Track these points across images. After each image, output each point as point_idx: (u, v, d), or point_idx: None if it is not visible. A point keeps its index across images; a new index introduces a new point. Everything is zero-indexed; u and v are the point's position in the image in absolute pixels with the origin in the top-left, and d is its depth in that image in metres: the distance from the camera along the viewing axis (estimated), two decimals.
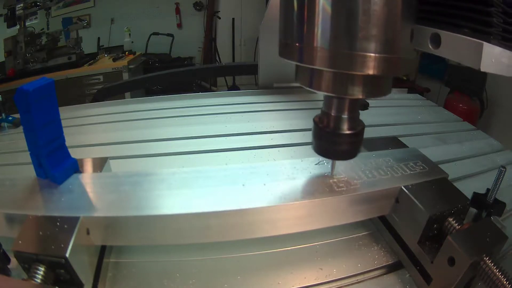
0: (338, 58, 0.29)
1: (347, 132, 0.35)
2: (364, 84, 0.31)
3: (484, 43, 0.30)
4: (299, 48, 0.31)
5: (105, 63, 2.94)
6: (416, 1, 0.31)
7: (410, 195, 0.37)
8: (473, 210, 0.45)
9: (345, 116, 0.35)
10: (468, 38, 0.31)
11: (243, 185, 0.38)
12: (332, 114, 0.35)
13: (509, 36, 0.30)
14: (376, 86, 0.32)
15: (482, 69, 0.30)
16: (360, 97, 0.32)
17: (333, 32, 0.28)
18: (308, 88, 0.34)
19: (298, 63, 0.33)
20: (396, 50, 0.29)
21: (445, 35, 0.33)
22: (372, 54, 0.28)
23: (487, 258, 0.30)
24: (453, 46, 0.32)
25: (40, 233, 0.31)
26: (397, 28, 0.29)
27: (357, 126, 0.36)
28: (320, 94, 0.35)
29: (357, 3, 0.27)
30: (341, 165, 0.42)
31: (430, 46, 0.34)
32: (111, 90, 1.27)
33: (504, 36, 0.30)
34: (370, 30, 0.28)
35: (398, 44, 0.29)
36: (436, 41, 0.34)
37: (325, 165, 0.42)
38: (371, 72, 0.29)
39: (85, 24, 3.05)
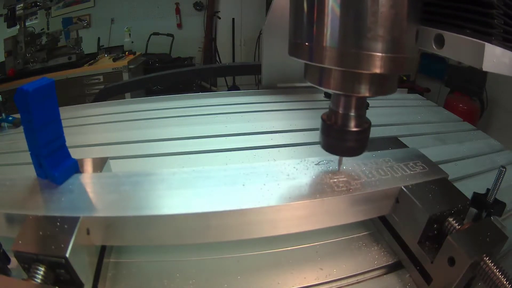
0: (347, 57, 0.30)
1: (355, 129, 0.36)
2: (371, 83, 0.32)
3: (486, 43, 0.30)
4: (309, 47, 0.32)
5: (105, 63, 2.94)
6: (421, 3, 0.31)
7: (410, 195, 0.37)
8: (473, 210, 0.45)
9: (352, 113, 0.36)
10: (470, 39, 0.32)
11: (243, 185, 0.38)
12: (340, 111, 0.36)
13: (510, 37, 0.30)
14: (383, 85, 0.33)
15: (484, 69, 0.31)
16: (367, 95, 0.33)
17: (341, 32, 0.30)
18: (317, 87, 0.35)
19: (308, 62, 0.34)
20: (402, 50, 0.30)
21: (448, 36, 0.34)
22: (379, 54, 0.29)
23: (487, 258, 0.30)
24: (456, 46, 0.33)
25: (40, 233, 0.31)
26: (403, 29, 0.30)
27: (364, 124, 0.37)
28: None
29: (366, 5, 0.28)
30: (341, 165, 0.42)
31: (434, 47, 0.35)
32: (113, 91, 1.27)
33: (505, 37, 0.30)
34: (377, 30, 0.29)
35: (403, 44, 0.31)
36: (440, 41, 0.35)
37: (326, 164, 0.42)
38: (378, 70, 0.30)
39: (85, 24, 3.04)
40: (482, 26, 0.31)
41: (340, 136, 0.36)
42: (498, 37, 0.30)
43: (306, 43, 0.32)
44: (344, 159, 0.43)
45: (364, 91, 0.33)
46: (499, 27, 0.30)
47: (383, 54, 0.29)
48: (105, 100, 1.04)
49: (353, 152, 0.38)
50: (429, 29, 0.35)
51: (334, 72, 0.33)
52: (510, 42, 0.31)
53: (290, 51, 0.35)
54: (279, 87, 0.97)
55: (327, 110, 0.38)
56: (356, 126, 0.36)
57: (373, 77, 0.32)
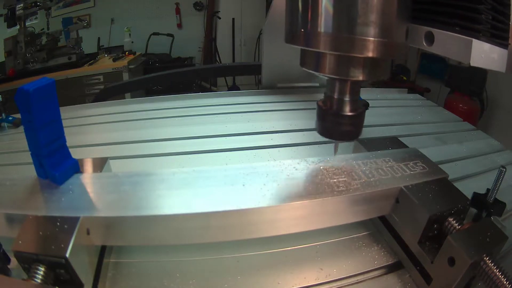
0: (340, 42, 0.32)
1: (350, 113, 0.37)
2: (364, 66, 0.34)
3: (473, 39, 0.31)
4: (305, 34, 0.34)
5: (105, 63, 2.94)
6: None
7: (410, 195, 0.37)
8: (473, 210, 0.45)
9: (347, 98, 0.37)
10: (459, 35, 0.33)
11: (243, 185, 0.38)
12: (335, 96, 0.37)
13: (498, 33, 0.31)
14: (375, 69, 0.35)
15: (472, 64, 0.32)
16: (361, 79, 0.35)
17: (335, 18, 0.31)
18: (313, 72, 0.36)
19: (304, 47, 0.35)
20: (392, 35, 0.32)
21: (437, 33, 0.35)
22: (371, 38, 0.31)
23: (487, 258, 0.30)
24: (445, 43, 0.34)
25: (40, 233, 0.31)
26: (393, 15, 0.32)
27: (358, 108, 0.38)
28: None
29: None
30: (341, 164, 0.42)
31: (425, 44, 0.37)
32: (113, 91, 1.26)
33: (493, 33, 0.31)
34: (369, 16, 0.31)
35: (394, 30, 0.32)
36: (430, 38, 0.36)
37: (326, 164, 0.42)
38: (370, 54, 0.32)
39: (85, 24, 3.04)
40: (470, 22, 0.32)
41: (336, 120, 0.38)
42: (486, 33, 0.31)
43: (302, 30, 0.34)
44: (344, 158, 0.43)
45: (358, 75, 0.34)
46: (486, 22, 0.31)
47: (375, 39, 0.31)
48: (105, 100, 1.04)
49: (349, 136, 0.39)
50: (419, 27, 0.37)
51: (329, 56, 0.34)
52: (498, 38, 0.31)
53: (287, 39, 0.37)
54: (279, 87, 0.97)
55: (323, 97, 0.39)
56: (351, 111, 0.37)
57: (366, 61, 0.34)
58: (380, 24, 0.31)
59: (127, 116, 0.82)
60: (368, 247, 0.43)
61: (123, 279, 0.37)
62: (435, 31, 0.35)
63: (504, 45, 0.31)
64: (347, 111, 0.37)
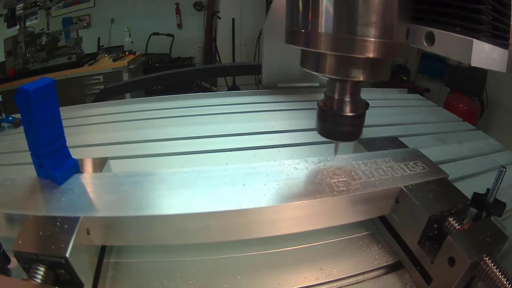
0: (341, 42, 0.32)
1: (350, 114, 0.37)
2: (365, 67, 0.34)
3: (474, 40, 0.32)
4: (305, 34, 0.34)
5: (105, 63, 2.94)
6: None
7: (410, 195, 0.37)
8: (473, 210, 0.45)
9: (347, 99, 0.37)
10: (459, 35, 0.33)
11: (243, 185, 0.38)
12: (336, 97, 0.37)
13: (499, 33, 0.31)
14: (376, 69, 0.35)
15: (473, 64, 0.32)
16: (361, 79, 0.35)
17: (336, 18, 0.31)
18: (313, 72, 0.36)
19: (304, 48, 0.36)
20: (392, 36, 0.32)
21: (438, 33, 0.35)
22: (372, 39, 0.31)
23: (487, 258, 0.30)
24: (446, 43, 0.35)
25: (40, 233, 0.31)
26: (394, 16, 0.32)
27: (359, 109, 0.38)
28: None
29: None
30: (341, 164, 0.42)
31: (425, 44, 0.37)
32: (113, 91, 1.26)
33: (494, 33, 0.31)
34: (369, 17, 0.31)
35: (394, 31, 0.32)
36: (431, 39, 0.36)
37: (326, 164, 0.42)
38: (370, 55, 0.32)
39: (85, 24, 3.04)
40: (471, 22, 0.32)
41: (336, 121, 0.38)
42: (487, 33, 0.32)
43: (303, 30, 0.34)
44: (344, 158, 0.43)
45: (359, 75, 0.34)
46: (487, 23, 0.31)
47: (376, 39, 0.31)
48: (105, 100, 1.04)
49: (350, 136, 0.39)
50: (420, 27, 0.37)
51: (330, 57, 0.34)
52: (499, 38, 0.31)
53: (287, 39, 0.37)
54: (279, 87, 0.97)
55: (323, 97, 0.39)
56: (351, 111, 0.37)
57: (367, 62, 0.34)
58: (381, 24, 0.31)
59: (127, 116, 0.82)
60: (368, 247, 0.43)
61: (123, 279, 0.37)
62: (436, 31, 0.35)
63: (505, 45, 0.31)
64: (348, 112, 0.37)
